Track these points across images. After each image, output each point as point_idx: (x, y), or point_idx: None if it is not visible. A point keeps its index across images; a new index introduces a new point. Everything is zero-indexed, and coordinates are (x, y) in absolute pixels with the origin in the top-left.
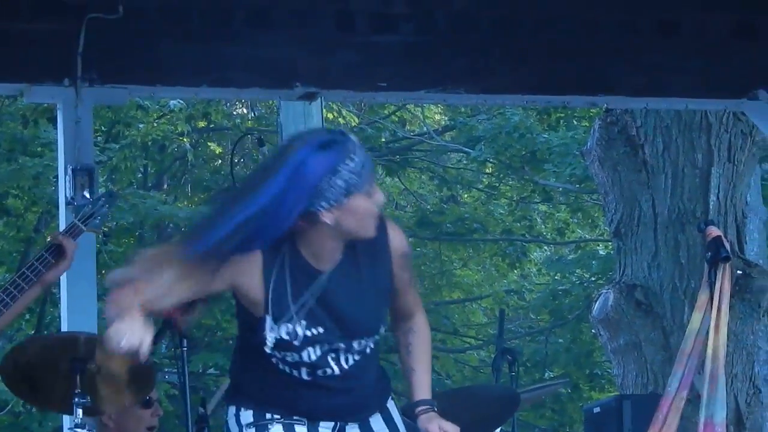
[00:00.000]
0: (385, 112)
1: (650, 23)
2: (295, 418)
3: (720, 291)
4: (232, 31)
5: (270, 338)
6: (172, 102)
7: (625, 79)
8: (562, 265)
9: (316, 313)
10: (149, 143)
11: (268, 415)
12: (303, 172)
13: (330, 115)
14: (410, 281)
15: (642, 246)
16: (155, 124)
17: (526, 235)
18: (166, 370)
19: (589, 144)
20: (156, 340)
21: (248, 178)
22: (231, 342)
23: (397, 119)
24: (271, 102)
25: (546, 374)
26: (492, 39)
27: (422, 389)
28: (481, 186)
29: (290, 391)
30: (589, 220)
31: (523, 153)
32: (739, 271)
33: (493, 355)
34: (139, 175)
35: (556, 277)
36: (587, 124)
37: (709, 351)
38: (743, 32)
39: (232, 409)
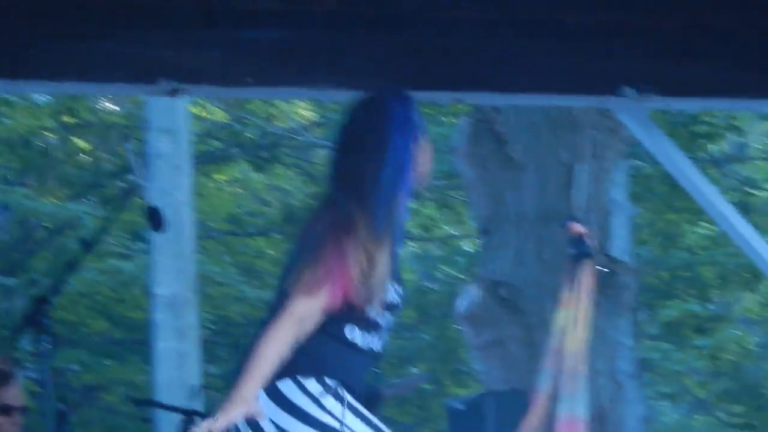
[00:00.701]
0: (252, 107)
1: (517, 21)
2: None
3: (582, 287)
4: (97, 27)
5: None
6: (38, 97)
7: (492, 75)
8: (429, 262)
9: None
10: (14, 138)
11: (330, 382)
12: (401, 114)
13: (196, 111)
14: None
15: (507, 242)
16: (20, 120)
17: None
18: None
19: (456, 140)
20: (16, 336)
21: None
22: (95, 338)
23: (265, 116)
24: (138, 97)
25: (411, 370)
26: (360, 36)
27: None
28: None
29: (349, 358)
30: (456, 217)
31: None
32: (602, 268)
33: None
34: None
35: (422, 273)
36: (454, 121)
37: (572, 347)
38: (608, 30)
39: (286, 382)
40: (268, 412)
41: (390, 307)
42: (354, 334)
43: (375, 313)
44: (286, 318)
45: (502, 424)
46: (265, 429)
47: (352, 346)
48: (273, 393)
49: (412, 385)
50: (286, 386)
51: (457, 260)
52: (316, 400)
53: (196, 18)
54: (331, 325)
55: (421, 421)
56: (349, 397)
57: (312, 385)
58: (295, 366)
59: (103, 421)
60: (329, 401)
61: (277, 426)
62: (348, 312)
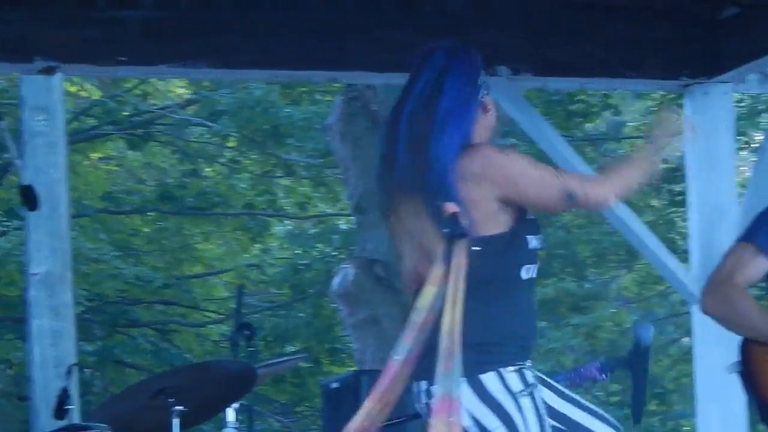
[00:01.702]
0: (128, 85)
1: (394, 1)
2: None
3: (457, 267)
4: None
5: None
6: None
7: (367, 55)
8: (304, 240)
9: None
10: None
11: (529, 377)
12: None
13: (72, 89)
14: None
15: (382, 221)
16: None
17: (268, 210)
18: None
19: (330, 119)
20: None
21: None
22: None
23: (139, 93)
24: (13, 75)
25: (287, 348)
26: (233, 15)
27: None
28: (223, 160)
29: (529, 318)
30: (332, 195)
31: (266, 127)
32: (476, 248)
33: (232, 330)
34: None
35: (297, 252)
36: (330, 99)
37: (446, 327)
38: (483, 11)
39: (490, 377)
40: (467, 403)
41: None
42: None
43: None
44: None
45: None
46: (463, 419)
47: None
48: (476, 385)
49: (289, 364)
50: (489, 379)
51: (333, 238)
52: (514, 398)
53: None
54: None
55: (298, 400)
56: (543, 396)
57: (513, 380)
58: (497, 358)
59: None
60: (526, 402)
61: (473, 417)
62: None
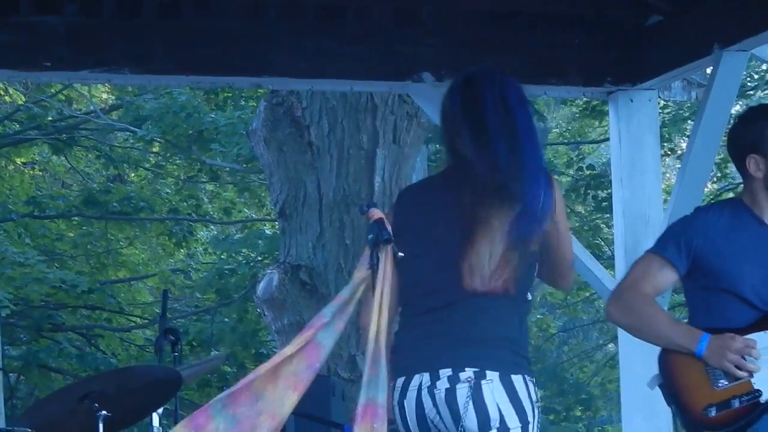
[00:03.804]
0: (52, 90)
1: (314, 8)
2: None
3: (383, 274)
4: None
5: None
6: None
7: (290, 61)
8: (229, 245)
9: None
10: None
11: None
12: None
13: None
14: None
15: (307, 226)
16: None
17: (193, 215)
18: None
19: (254, 124)
20: None
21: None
22: None
23: (63, 98)
24: None
25: (212, 353)
26: (156, 22)
27: None
28: (147, 165)
29: None
30: (256, 200)
31: (190, 132)
32: (401, 254)
33: (157, 335)
34: None
35: (222, 257)
36: (254, 105)
37: (372, 333)
38: (405, 19)
39: (519, 379)
40: (498, 396)
41: None
42: None
43: None
44: None
45: (303, 409)
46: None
47: None
48: (507, 383)
49: (211, 365)
50: (519, 381)
51: (258, 244)
52: (532, 404)
53: None
54: None
55: None
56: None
57: (533, 390)
58: (525, 363)
59: None
60: (536, 411)
61: (500, 411)
62: None
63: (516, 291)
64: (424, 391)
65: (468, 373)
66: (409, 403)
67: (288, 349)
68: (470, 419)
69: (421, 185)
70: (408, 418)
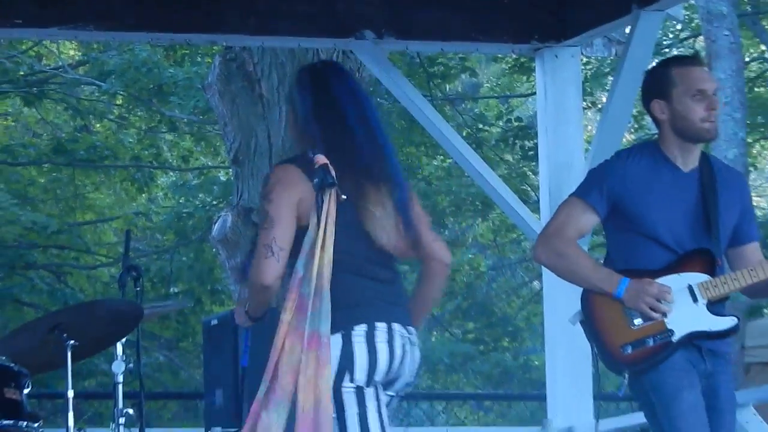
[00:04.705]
0: (23, 47)
1: None
2: None
3: (326, 213)
4: None
5: None
6: None
7: (242, 19)
8: (187, 190)
9: None
10: None
11: None
12: None
13: None
14: None
15: (258, 172)
16: None
17: (154, 162)
18: None
19: (210, 78)
20: None
21: None
22: None
23: (34, 54)
24: None
25: (171, 289)
26: None
27: None
28: (111, 117)
29: None
30: (212, 149)
31: (151, 86)
32: (344, 197)
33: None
34: None
35: (180, 201)
36: (209, 61)
37: (314, 269)
38: None
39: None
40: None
41: None
42: None
43: None
44: None
45: (253, 336)
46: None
47: None
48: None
49: (173, 308)
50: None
51: (213, 189)
52: None
53: None
54: None
55: (181, 336)
56: None
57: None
58: None
59: None
60: None
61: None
62: None
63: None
64: (392, 337)
65: (409, 328)
66: (382, 346)
67: (285, 316)
68: (413, 364)
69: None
70: (382, 360)
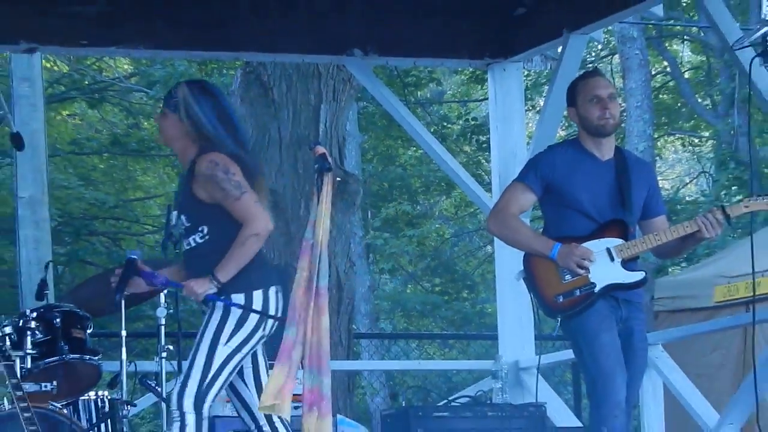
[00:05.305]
0: (88, 62)
1: (275, 1)
2: None
3: (325, 193)
4: None
5: None
6: None
7: (259, 40)
8: None
9: None
10: None
11: None
12: None
13: (48, 64)
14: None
15: (271, 160)
16: None
17: None
18: None
19: (233, 87)
20: None
21: None
22: None
23: (96, 67)
24: (4, 54)
25: None
26: (164, 9)
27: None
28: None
29: None
30: None
31: None
32: (338, 179)
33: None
34: None
35: None
36: (233, 72)
37: (318, 236)
38: (341, 6)
39: None
40: None
41: None
42: None
43: None
44: None
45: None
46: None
47: None
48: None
49: None
50: None
51: None
52: None
53: None
54: None
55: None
56: None
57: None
58: None
59: None
60: None
61: None
62: None
63: None
64: None
65: None
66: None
67: (304, 274)
68: None
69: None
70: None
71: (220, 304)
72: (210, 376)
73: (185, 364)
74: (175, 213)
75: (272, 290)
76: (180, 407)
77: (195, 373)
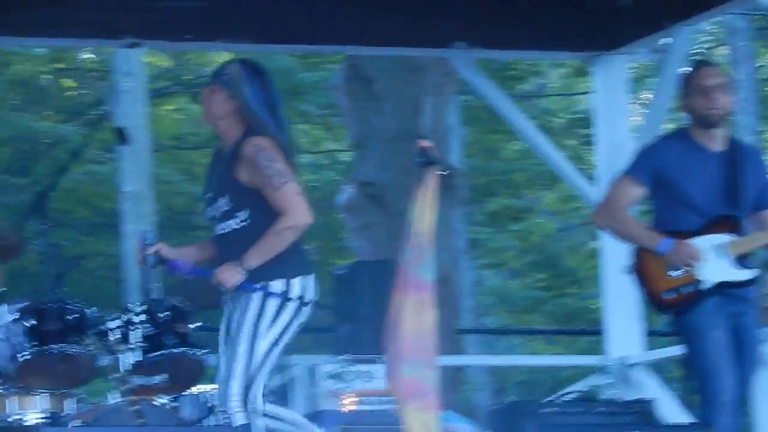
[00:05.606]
0: (190, 56)
1: None
2: None
3: (429, 186)
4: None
5: None
6: (37, 50)
7: (362, 34)
8: (315, 168)
9: None
10: (20, 79)
11: None
12: None
13: (150, 59)
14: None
15: (374, 154)
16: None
17: None
18: (33, 241)
19: (336, 80)
20: (24, 220)
21: None
22: (80, 221)
23: (199, 62)
24: (109, 49)
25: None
26: (265, 6)
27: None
28: None
29: None
30: (337, 136)
31: (288, 87)
32: (442, 173)
33: None
34: None
35: (311, 177)
36: (331, 66)
37: (422, 228)
38: (449, 1)
39: None
40: None
41: None
42: None
43: None
44: None
45: (372, 283)
46: None
47: None
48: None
49: None
50: None
51: (338, 167)
52: None
53: None
54: None
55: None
56: None
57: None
58: None
59: (85, 282)
60: None
61: None
62: None
63: None
64: None
65: None
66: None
67: (411, 258)
68: None
69: None
70: None
71: (258, 293)
72: (252, 371)
73: (225, 360)
74: (209, 194)
75: (310, 278)
76: (227, 408)
77: (237, 370)
